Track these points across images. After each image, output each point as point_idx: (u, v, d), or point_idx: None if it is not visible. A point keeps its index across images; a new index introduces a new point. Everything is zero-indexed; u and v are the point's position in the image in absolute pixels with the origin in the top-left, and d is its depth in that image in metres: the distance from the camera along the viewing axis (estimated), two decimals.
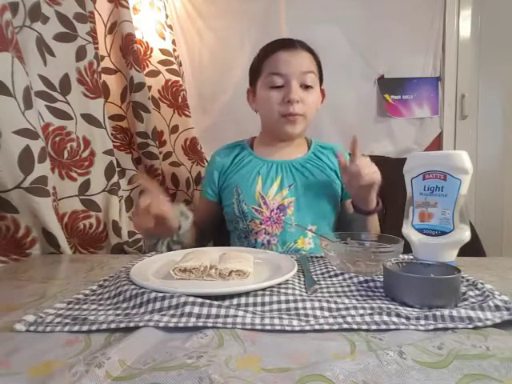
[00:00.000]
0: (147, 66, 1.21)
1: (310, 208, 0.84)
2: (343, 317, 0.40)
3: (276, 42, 0.86)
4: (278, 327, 0.38)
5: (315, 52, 0.87)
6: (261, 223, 0.84)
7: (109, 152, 0.96)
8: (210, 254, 0.58)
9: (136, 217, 0.70)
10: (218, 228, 0.99)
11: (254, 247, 0.84)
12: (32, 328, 0.38)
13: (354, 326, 0.38)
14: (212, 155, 0.97)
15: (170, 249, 0.79)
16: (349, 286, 0.51)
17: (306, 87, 0.83)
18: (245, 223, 0.85)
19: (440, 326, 0.38)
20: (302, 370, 0.30)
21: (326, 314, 0.42)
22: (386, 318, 0.40)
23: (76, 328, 0.38)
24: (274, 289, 0.48)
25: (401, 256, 0.64)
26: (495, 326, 0.38)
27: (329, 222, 0.89)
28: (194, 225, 0.90)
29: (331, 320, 0.39)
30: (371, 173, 0.75)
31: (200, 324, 0.38)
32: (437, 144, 1.54)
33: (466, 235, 0.56)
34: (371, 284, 0.51)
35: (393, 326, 0.38)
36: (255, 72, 0.88)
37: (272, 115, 0.85)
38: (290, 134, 0.87)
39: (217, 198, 0.94)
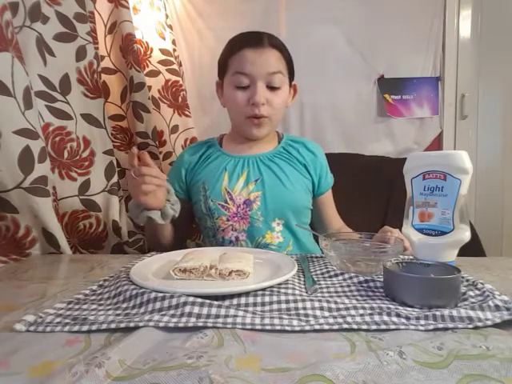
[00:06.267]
0: (147, 66, 1.21)
1: (278, 202, 0.83)
2: (343, 317, 0.40)
3: (243, 38, 0.83)
4: (278, 327, 0.38)
5: (284, 48, 0.84)
6: (228, 219, 0.83)
7: (109, 152, 0.96)
8: (210, 254, 0.58)
9: (137, 179, 0.67)
10: (191, 226, 0.97)
11: (222, 245, 0.84)
12: (32, 328, 0.38)
13: (354, 326, 0.38)
14: (180, 153, 0.97)
15: (164, 218, 0.76)
16: (349, 285, 0.51)
17: (273, 88, 0.81)
18: (212, 220, 0.84)
19: (440, 326, 0.38)
20: (302, 370, 0.30)
21: (326, 313, 0.42)
22: (386, 317, 0.40)
23: (76, 328, 0.38)
24: (274, 289, 0.48)
25: (401, 256, 0.64)
26: (495, 326, 0.38)
27: (300, 218, 0.88)
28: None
29: (331, 320, 0.39)
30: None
31: (200, 324, 0.38)
32: (437, 144, 1.54)
33: (466, 235, 0.56)
34: (371, 284, 0.51)
35: (393, 326, 0.38)
36: (222, 67, 0.87)
37: (238, 116, 0.85)
38: (256, 136, 0.86)
39: (185, 195, 0.93)
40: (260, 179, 0.84)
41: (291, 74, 0.87)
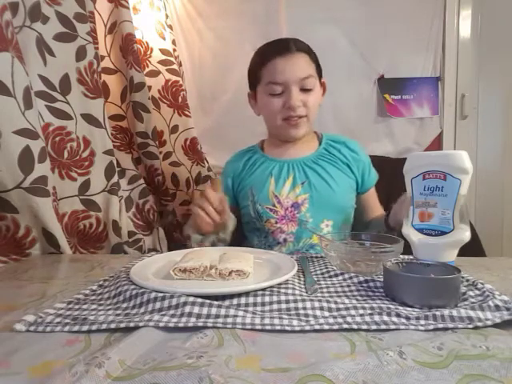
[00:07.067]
0: (147, 66, 1.21)
1: (325, 204, 0.85)
2: (343, 317, 0.40)
3: (271, 47, 0.85)
4: (278, 327, 0.38)
5: (311, 50, 0.86)
6: (276, 222, 0.85)
7: (109, 152, 0.96)
8: (210, 254, 0.58)
9: (203, 211, 0.73)
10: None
11: (271, 247, 0.86)
12: (32, 328, 0.38)
13: (354, 326, 0.38)
14: (224, 165, 1.00)
15: (214, 245, 0.82)
16: (349, 285, 0.51)
17: (306, 90, 0.83)
18: (261, 223, 0.87)
19: (440, 326, 0.38)
20: (302, 370, 0.30)
21: (326, 313, 0.42)
22: (386, 318, 0.40)
23: (76, 328, 0.38)
24: (274, 289, 0.48)
25: (401, 256, 0.64)
26: (495, 326, 0.38)
27: (345, 217, 0.90)
28: None
29: (331, 320, 0.39)
30: None
31: (200, 324, 0.38)
32: (437, 144, 1.54)
33: (466, 235, 0.56)
34: (371, 284, 0.51)
35: (393, 326, 0.38)
36: (254, 78, 0.88)
37: (274, 121, 0.86)
38: (294, 137, 0.88)
39: (234, 202, 0.96)
40: (306, 182, 0.86)
41: (319, 73, 0.89)
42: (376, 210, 0.96)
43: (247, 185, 0.90)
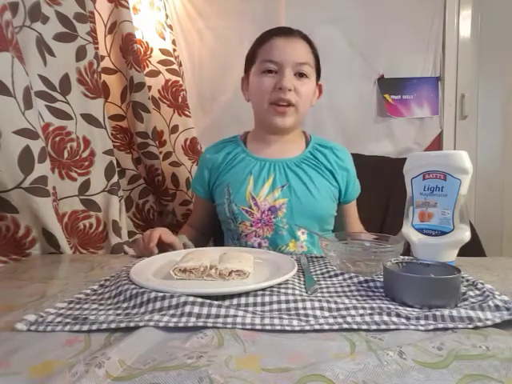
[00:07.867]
0: (147, 66, 1.21)
1: (303, 211, 0.81)
2: (343, 317, 0.40)
3: (272, 29, 0.83)
4: (278, 327, 0.38)
5: (313, 44, 0.83)
6: (251, 225, 0.81)
7: (109, 152, 0.96)
8: (210, 254, 0.58)
9: (141, 245, 0.72)
10: (218, 226, 0.98)
11: None
12: (33, 328, 0.38)
13: (354, 326, 0.38)
14: (201, 154, 0.95)
15: None
16: (349, 285, 0.51)
17: (301, 76, 0.79)
18: (235, 224, 0.83)
19: (440, 326, 0.38)
20: (302, 370, 0.30)
21: (326, 313, 0.42)
22: (386, 318, 0.40)
23: (76, 328, 0.38)
24: (274, 289, 0.48)
25: (401, 256, 0.64)
26: (495, 325, 0.38)
27: (323, 226, 0.86)
28: (195, 230, 0.92)
29: (331, 320, 0.39)
30: None
31: (200, 324, 0.38)
32: (437, 144, 1.54)
33: (466, 235, 0.56)
34: (371, 284, 0.51)
35: (393, 326, 0.38)
36: (250, 59, 0.84)
37: (262, 103, 0.80)
38: (280, 127, 0.81)
39: (208, 196, 0.92)
40: (287, 186, 0.81)
41: (318, 72, 0.85)
42: (354, 225, 0.93)
43: (224, 181, 0.85)
